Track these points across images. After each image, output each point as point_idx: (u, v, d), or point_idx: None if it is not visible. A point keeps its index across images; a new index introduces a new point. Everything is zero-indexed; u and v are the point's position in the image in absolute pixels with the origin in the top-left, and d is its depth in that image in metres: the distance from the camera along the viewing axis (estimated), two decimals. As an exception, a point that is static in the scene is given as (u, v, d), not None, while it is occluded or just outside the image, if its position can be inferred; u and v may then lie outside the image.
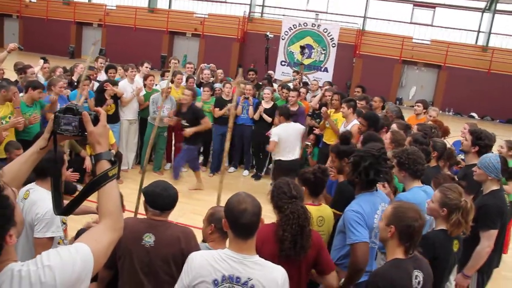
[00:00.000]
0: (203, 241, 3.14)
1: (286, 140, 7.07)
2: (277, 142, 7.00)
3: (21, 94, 6.51)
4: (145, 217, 3.09)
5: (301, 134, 7.39)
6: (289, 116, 7.20)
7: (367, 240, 3.08)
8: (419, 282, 2.61)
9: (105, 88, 7.68)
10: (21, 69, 7.81)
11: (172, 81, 8.49)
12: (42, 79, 7.79)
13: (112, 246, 1.70)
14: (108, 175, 1.74)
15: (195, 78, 9.47)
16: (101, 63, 9.44)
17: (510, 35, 23.21)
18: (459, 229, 3.10)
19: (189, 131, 7.49)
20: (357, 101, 7.55)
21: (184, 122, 7.63)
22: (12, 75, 8.05)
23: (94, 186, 1.73)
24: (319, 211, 3.49)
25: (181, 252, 2.88)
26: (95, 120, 1.82)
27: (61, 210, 1.87)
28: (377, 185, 3.47)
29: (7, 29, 28.14)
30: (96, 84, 8.20)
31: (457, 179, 4.22)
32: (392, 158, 3.76)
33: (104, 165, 1.76)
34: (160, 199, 3.00)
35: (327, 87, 9.35)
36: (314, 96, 8.66)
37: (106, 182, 1.73)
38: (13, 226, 1.41)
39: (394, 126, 5.68)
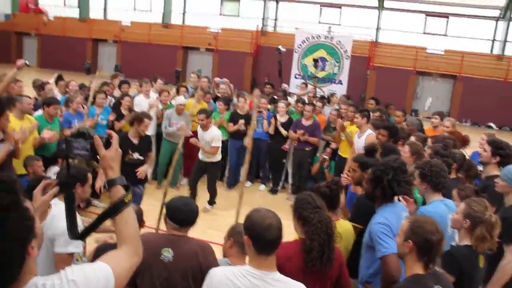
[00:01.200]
0: (224, 256, 3.13)
1: None
2: None
3: (40, 112, 6.61)
4: (165, 232, 3.09)
5: None
6: None
7: (396, 252, 3.03)
8: None
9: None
10: (39, 86, 7.93)
11: (193, 95, 8.57)
12: (58, 95, 7.91)
13: (132, 271, 1.70)
14: (124, 201, 1.73)
15: (211, 92, 9.53)
16: (119, 80, 9.55)
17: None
18: (484, 244, 3.01)
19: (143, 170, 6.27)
20: (371, 113, 7.54)
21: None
22: (31, 92, 8.17)
23: (111, 213, 1.73)
24: (337, 227, 3.44)
25: (199, 266, 2.87)
26: (107, 144, 1.81)
27: (76, 235, 1.88)
28: (399, 198, 3.44)
29: (26, 47, 28.69)
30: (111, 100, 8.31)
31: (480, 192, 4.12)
32: (414, 170, 3.72)
33: (119, 191, 1.75)
34: (180, 213, 3.00)
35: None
36: (336, 110, 8.60)
37: (123, 208, 1.72)
38: (34, 238, 1.42)
39: (412, 139, 5.63)
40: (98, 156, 1.79)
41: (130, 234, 1.73)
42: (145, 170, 6.35)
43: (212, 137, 7.20)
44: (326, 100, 10.20)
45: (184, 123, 7.89)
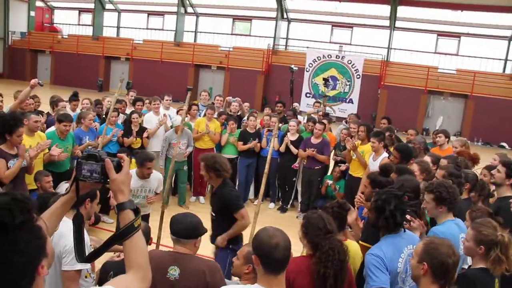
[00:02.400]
0: (234, 274, 3.12)
1: None
2: None
3: (53, 128, 6.69)
4: (171, 249, 3.09)
5: None
6: None
7: (385, 286, 2.95)
8: None
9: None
10: (53, 103, 8.04)
11: (204, 114, 8.64)
12: (70, 112, 7.99)
13: None
14: (134, 225, 1.71)
15: (222, 110, 9.57)
16: (131, 96, 9.62)
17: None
18: (501, 266, 2.90)
19: (221, 239, 4.63)
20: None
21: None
22: (46, 108, 8.29)
23: (120, 237, 1.71)
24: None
25: (206, 285, 2.85)
26: (118, 167, 1.78)
27: (84, 258, 1.86)
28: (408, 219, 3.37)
29: (40, 64, 29.16)
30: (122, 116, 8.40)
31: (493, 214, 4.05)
32: (426, 192, 3.65)
33: (128, 215, 1.73)
34: (177, 225, 3.02)
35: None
36: (346, 129, 8.59)
37: (132, 233, 1.71)
38: (45, 258, 1.41)
39: (427, 158, 5.59)
40: (108, 180, 1.77)
41: (139, 259, 1.71)
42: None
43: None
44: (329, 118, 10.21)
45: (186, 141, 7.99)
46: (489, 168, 5.68)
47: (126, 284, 1.64)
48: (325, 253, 2.85)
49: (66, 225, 3.13)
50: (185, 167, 8.34)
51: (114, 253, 3.76)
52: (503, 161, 4.72)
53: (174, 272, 2.88)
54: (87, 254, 1.90)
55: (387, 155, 6.53)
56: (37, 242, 1.37)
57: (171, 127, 8.55)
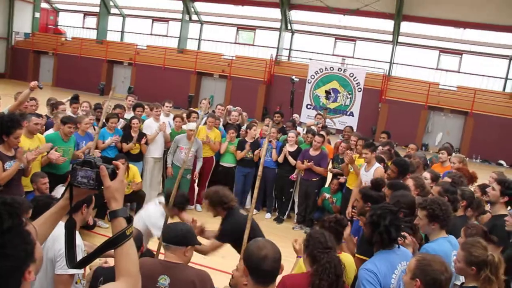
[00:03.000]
0: (231, 285, 3.13)
1: None
2: None
3: (51, 130, 6.69)
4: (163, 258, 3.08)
5: None
6: None
7: None
8: None
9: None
10: (53, 105, 8.05)
11: (205, 123, 8.62)
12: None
13: None
14: (126, 233, 1.72)
15: (222, 119, 9.58)
16: (130, 101, 9.63)
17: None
18: (491, 286, 2.90)
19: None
20: (381, 147, 7.52)
21: None
22: (44, 110, 8.29)
23: (112, 245, 1.71)
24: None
25: None
26: (113, 175, 1.79)
27: (74, 264, 1.87)
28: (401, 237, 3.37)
29: (42, 66, 29.25)
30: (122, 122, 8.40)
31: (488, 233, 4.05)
32: (419, 208, 3.66)
33: (121, 223, 1.74)
34: (168, 232, 3.05)
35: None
36: (345, 142, 8.62)
37: (124, 241, 1.71)
38: (32, 263, 1.41)
39: (426, 175, 5.60)
40: (102, 187, 1.78)
41: (130, 268, 1.71)
42: None
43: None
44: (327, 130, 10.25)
45: (193, 148, 7.92)
46: (482, 186, 5.69)
47: None
48: (322, 266, 2.92)
49: (60, 229, 3.12)
50: (188, 176, 8.31)
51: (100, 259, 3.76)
52: (498, 179, 4.74)
53: (164, 281, 2.88)
54: (78, 260, 1.90)
55: (379, 165, 6.55)
56: (25, 247, 1.36)
57: (171, 134, 8.55)
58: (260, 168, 4.33)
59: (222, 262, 5.53)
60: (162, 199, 5.19)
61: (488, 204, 5.15)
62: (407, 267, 2.73)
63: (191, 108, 12.09)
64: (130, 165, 7.34)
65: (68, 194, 1.85)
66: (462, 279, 3.27)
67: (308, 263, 3.07)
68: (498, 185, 4.57)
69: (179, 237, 3.02)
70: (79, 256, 2.06)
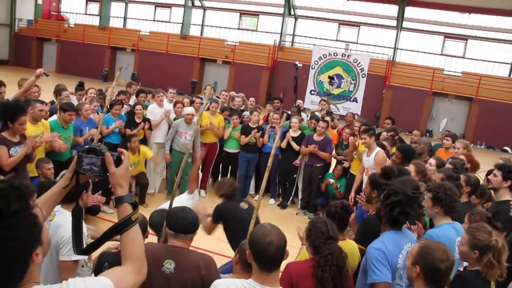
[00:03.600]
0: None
1: None
2: None
3: (55, 116, 6.70)
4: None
5: None
6: None
7: (388, 281, 2.97)
8: None
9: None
10: (57, 91, 8.05)
11: (208, 108, 8.62)
12: (75, 102, 8.00)
13: None
14: (131, 219, 1.74)
15: (226, 105, 9.58)
16: (134, 89, 9.61)
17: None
18: (493, 270, 2.90)
19: None
20: (385, 133, 7.51)
21: None
22: (48, 97, 8.29)
23: (118, 230, 1.73)
24: (344, 246, 3.42)
25: (201, 279, 2.86)
26: (118, 162, 1.82)
27: (81, 250, 1.89)
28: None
29: (46, 52, 29.22)
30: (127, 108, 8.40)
31: (492, 219, 4.04)
32: (425, 192, 3.67)
33: (126, 209, 1.76)
34: (175, 220, 3.00)
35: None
36: (349, 128, 8.61)
37: (130, 227, 1.73)
38: (40, 245, 1.43)
39: (432, 161, 5.58)
40: (107, 174, 1.80)
41: (135, 253, 1.73)
42: None
43: None
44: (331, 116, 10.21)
45: (192, 132, 7.93)
46: (488, 173, 5.67)
47: (120, 276, 1.65)
48: (324, 258, 2.92)
49: (64, 216, 3.16)
50: (189, 159, 8.33)
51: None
52: (497, 164, 4.73)
53: (169, 265, 2.89)
54: (84, 246, 1.92)
55: (379, 149, 6.54)
56: (32, 229, 1.38)
57: (174, 119, 8.54)
58: (270, 159, 4.35)
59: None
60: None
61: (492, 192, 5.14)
62: (410, 252, 2.74)
63: (197, 94, 12.08)
64: (140, 145, 7.47)
65: (70, 174, 1.87)
66: (466, 265, 3.27)
67: (310, 252, 3.08)
68: (498, 170, 4.58)
69: (189, 225, 3.02)
70: (84, 242, 2.08)
